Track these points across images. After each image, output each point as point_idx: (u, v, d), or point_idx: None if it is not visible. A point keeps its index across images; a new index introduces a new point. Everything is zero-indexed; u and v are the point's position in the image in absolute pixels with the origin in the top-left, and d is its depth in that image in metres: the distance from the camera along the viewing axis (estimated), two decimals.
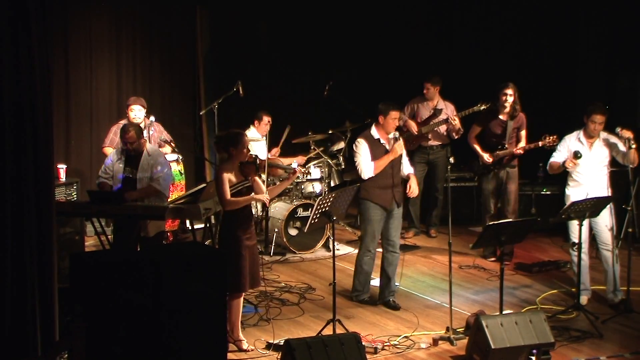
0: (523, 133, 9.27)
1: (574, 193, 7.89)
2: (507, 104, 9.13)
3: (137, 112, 9.08)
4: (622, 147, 7.76)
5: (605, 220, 7.81)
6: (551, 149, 8.44)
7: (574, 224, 7.76)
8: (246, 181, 6.78)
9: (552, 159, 8.12)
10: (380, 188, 7.66)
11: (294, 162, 9.99)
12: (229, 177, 6.68)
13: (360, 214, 7.91)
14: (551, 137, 8.69)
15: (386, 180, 7.67)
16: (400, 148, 7.69)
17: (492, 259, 9.29)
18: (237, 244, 6.68)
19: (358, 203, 7.78)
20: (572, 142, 7.99)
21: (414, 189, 7.76)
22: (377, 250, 7.96)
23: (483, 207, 9.46)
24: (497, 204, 9.37)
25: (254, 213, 9.90)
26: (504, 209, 9.31)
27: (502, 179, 9.29)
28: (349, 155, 10.61)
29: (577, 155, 7.84)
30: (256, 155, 7.03)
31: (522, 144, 9.18)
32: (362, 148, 7.67)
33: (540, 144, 8.79)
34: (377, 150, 7.69)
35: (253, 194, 6.82)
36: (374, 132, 7.75)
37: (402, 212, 7.95)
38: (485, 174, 9.33)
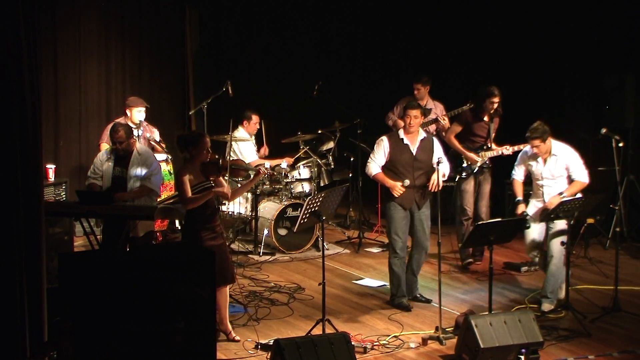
0: (493, 135, 9.22)
1: (532, 207, 7.88)
2: (493, 109, 9.10)
3: (144, 114, 9.11)
4: (572, 169, 7.71)
5: (561, 237, 7.62)
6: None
7: (529, 234, 7.76)
8: (207, 182, 6.74)
9: (513, 176, 8.07)
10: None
11: (283, 162, 9.99)
12: (189, 177, 6.65)
13: (385, 215, 7.85)
14: None
15: (406, 180, 7.63)
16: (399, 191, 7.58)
17: (470, 260, 9.24)
18: (197, 242, 6.64)
19: (383, 205, 7.83)
20: (529, 155, 7.90)
21: (433, 181, 7.60)
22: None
23: (460, 208, 9.26)
24: (473, 206, 9.24)
25: (242, 212, 9.96)
26: (479, 209, 9.20)
27: (480, 179, 9.23)
28: (339, 155, 10.66)
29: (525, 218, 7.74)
30: (218, 157, 6.96)
31: (510, 150, 8.96)
32: (381, 145, 7.69)
33: (527, 145, 8.77)
34: (400, 149, 7.67)
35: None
36: (401, 133, 7.72)
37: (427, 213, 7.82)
38: (468, 176, 9.19)
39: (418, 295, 7.97)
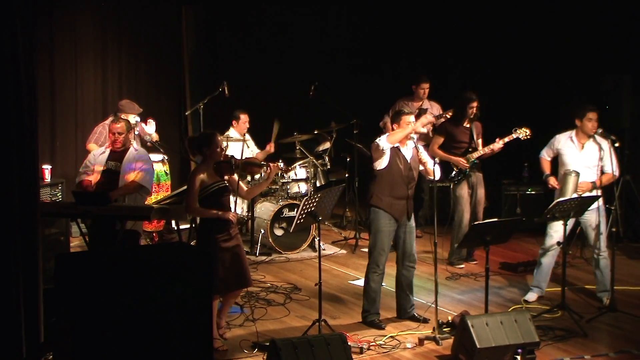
0: (480, 141, 9.17)
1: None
2: (473, 114, 9.07)
3: (136, 119, 9.10)
4: (606, 160, 7.75)
5: (593, 223, 7.82)
6: (527, 141, 8.65)
7: (553, 225, 7.78)
8: (221, 181, 6.73)
9: (542, 155, 8.22)
10: (395, 198, 7.26)
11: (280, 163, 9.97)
12: (202, 178, 6.59)
13: (370, 223, 7.40)
14: (523, 130, 8.74)
15: (401, 190, 7.26)
16: (422, 122, 7.34)
17: (462, 265, 9.25)
18: (212, 245, 6.60)
19: (368, 211, 7.43)
20: (562, 141, 8.00)
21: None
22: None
23: (458, 214, 9.17)
24: (471, 210, 9.17)
25: (239, 213, 9.95)
26: (477, 214, 9.15)
27: (474, 184, 9.19)
28: (335, 155, 10.65)
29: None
30: (232, 155, 6.97)
31: (500, 143, 8.91)
32: (382, 140, 7.16)
33: (514, 136, 8.80)
34: (398, 158, 7.25)
35: (236, 180, 6.74)
36: None
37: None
38: (460, 181, 9.13)
39: (416, 315, 7.50)
